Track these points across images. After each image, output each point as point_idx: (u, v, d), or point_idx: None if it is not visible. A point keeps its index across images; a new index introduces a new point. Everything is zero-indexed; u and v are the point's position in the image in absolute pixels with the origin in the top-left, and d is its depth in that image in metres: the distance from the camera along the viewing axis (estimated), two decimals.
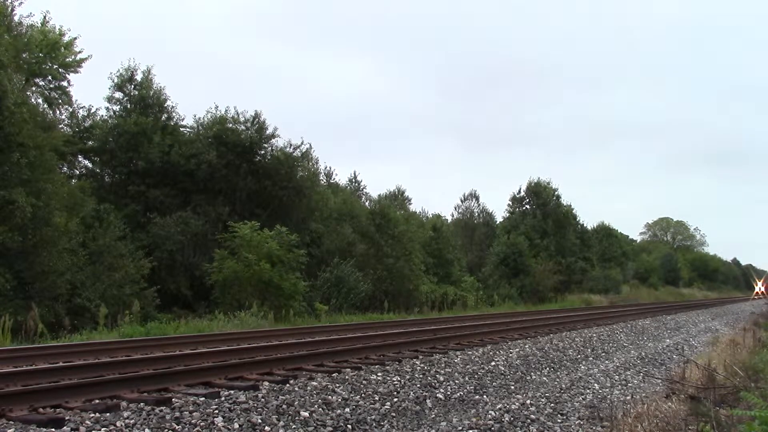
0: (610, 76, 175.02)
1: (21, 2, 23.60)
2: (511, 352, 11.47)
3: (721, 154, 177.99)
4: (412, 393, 7.90)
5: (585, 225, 60.35)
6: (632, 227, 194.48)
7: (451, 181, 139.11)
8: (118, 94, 27.89)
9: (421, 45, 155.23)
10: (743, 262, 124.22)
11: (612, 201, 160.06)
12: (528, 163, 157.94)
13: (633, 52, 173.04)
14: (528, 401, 8.23)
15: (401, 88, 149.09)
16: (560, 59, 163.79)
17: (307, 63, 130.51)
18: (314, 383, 7.42)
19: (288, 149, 29.00)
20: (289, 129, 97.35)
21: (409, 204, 53.35)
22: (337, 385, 7.50)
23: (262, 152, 28.58)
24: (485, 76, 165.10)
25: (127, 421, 5.37)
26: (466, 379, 9.11)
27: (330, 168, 42.19)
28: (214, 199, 26.86)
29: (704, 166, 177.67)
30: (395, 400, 7.52)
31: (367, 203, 40.42)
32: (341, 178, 45.77)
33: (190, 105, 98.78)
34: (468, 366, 9.77)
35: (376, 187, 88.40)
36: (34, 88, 25.28)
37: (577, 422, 7.57)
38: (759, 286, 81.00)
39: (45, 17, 25.54)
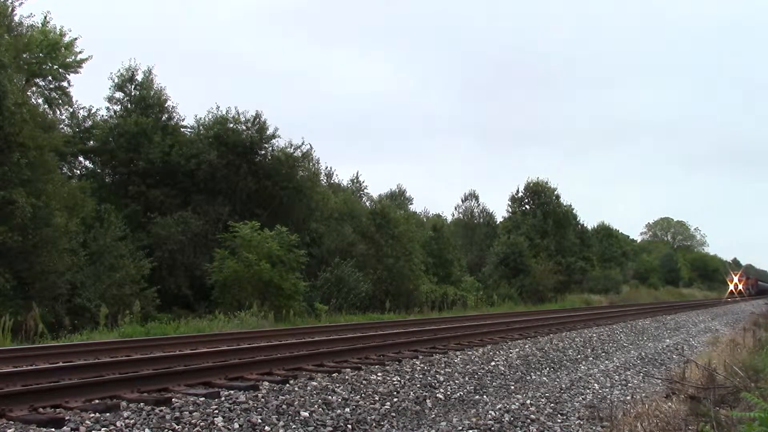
0: (615, 77, 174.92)
1: (21, 2, 23.63)
2: (511, 352, 11.47)
3: (722, 154, 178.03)
4: (412, 393, 7.90)
5: (585, 225, 60.44)
6: (632, 227, 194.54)
7: (457, 181, 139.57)
8: (119, 94, 27.94)
9: (430, 45, 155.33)
10: (743, 262, 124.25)
11: (612, 201, 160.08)
12: (530, 163, 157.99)
13: (642, 52, 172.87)
14: (528, 401, 8.23)
15: (412, 88, 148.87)
16: (566, 59, 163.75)
17: (309, 63, 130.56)
18: (314, 383, 7.42)
19: (288, 149, 29.03)
20: (294, 129, 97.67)
21: (410, 204, 53.45)
22: (337, 385, 7.50)
23: (263, 152, 28.61)
24: (490, 76, 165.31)
25: (127, 421, 5.37)
26: (466, 379, 9.11)
27: (330, 168, 42.26)
28: (214, 199, 26.88)
29: (705, 167, 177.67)
30: (395, 400, 7.52)
31: (367, 203, 40.45)
32: (345, 178, 45.87)
33: (195, 105, 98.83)
34: (468, 366, 9.77)
35: (382, 187, 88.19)
36: (34, 89, 25.28)
37: (577, 422, 7.56)
38: (734, 283, 65.15)
39: (45, 17, 25.57)
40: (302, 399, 6.74)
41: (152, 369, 7.89)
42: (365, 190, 46.74)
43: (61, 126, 26.09)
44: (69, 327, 16.53)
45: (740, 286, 64.78)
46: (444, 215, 57.38)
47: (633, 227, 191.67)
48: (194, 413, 5.78)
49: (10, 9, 22.95)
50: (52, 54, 25.29)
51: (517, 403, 8.05)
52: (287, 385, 7.23)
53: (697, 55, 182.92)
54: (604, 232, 70.58)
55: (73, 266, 19.17)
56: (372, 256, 30.18)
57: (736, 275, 67.40)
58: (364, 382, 7.83)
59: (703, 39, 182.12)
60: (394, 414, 7.13)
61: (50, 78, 25.89)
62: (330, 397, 7.02)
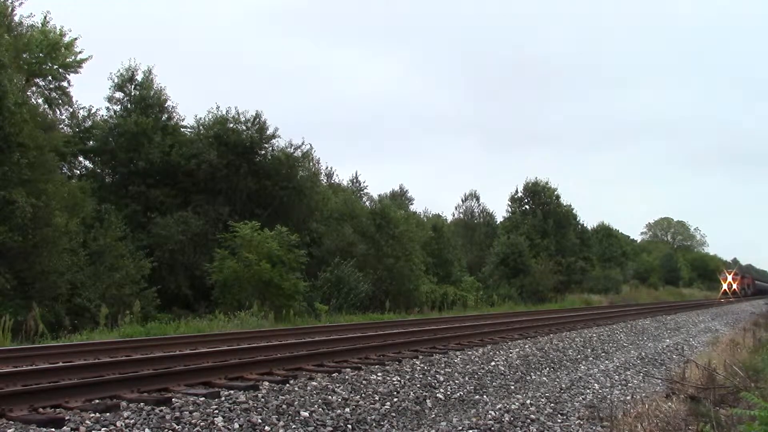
0: (615, 77, 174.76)
1: (21, 2, 23.65)
2: (511, 352, 11.47)
3: (722, 154, 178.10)
4: (412, 393, 7.90)
5: (585, 225, 60.42)
6: (632, 227, 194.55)
7: (458, 181, 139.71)
8: (119, 94, 27.91)
9: (431, 45, 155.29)
10: (744, 262, 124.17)
11: (612, 201, 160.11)
12: (531, 163, 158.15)
13: (642, 52, 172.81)
14: (528, 401, 8.23)
15: (413, 88, 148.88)
16: (567, 60, 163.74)
17: (309, 63, 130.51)
18: (314, 383, 7.42)
19: (288, 149, 29.03)
20: (294, 129, 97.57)
21: (411, 204, 53.41)
22: (337, 385, 7.50)
23: (263, 152, 28.61)
24: (492, 76, 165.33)
25: (127, 421, 5.37)
26: (466, 379, 9.11)
27: (330, 168, 42.28)
28: (214, 199, 26.87)
29: (705, 167, 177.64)
30: (395, 400, 7.52)
31: (368, 203, 40.45)
32: (345, 178, 45.89)
33: (195, 105, 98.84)
34: (468, 366, 9.77)
35: (383, 187, 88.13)
36: (34, 89, 25.28)
37: (577, 422, 7.56)
38: (728, 282, 60.14)
39: (45, 17, 25.57)
40: (302, 399, 6.74)
41: (152, 369, 7.88)
42: (365, 190, 46.82)
43: (61, 126, 26.10)
44: (69, 327, 16.52)
45: (734, 286, 61.13)
46: (444, 215, 57.38)
47: (633, 227, 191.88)
48: (194, 413, 5.78)
49: (10, 9, 22.97)
50: (52, 54, 25.28)
51: (517, 403, 8.05)
52: (287, 385, 7.23)
53: (697, 55, 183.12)
54: (604, 232, 70.54)
55: (73, 266, 19.16)
56: (372, 256, 30.17)
57: (729, 274, 63.95)
58: (364, 382, 7.83)
59: (703, 39, 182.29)
60: (394, 414, 7.13)
61: (50, 78, 25.89)
62: (330, 397, 7.02)
